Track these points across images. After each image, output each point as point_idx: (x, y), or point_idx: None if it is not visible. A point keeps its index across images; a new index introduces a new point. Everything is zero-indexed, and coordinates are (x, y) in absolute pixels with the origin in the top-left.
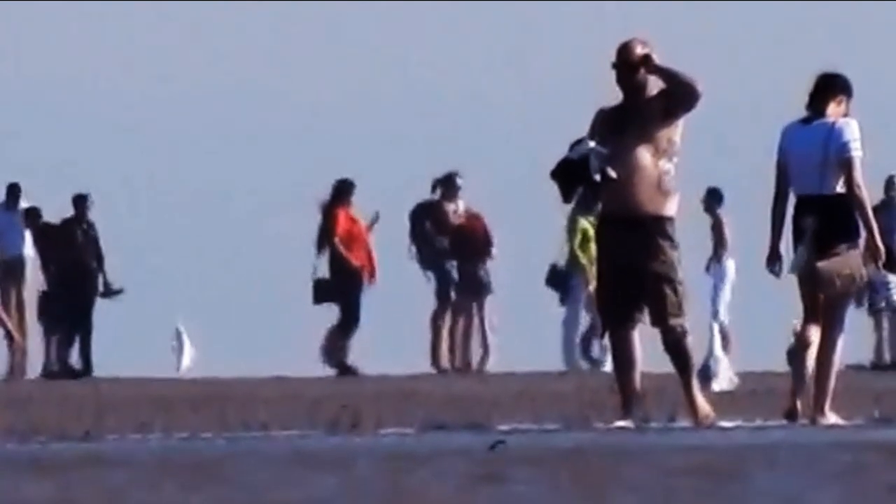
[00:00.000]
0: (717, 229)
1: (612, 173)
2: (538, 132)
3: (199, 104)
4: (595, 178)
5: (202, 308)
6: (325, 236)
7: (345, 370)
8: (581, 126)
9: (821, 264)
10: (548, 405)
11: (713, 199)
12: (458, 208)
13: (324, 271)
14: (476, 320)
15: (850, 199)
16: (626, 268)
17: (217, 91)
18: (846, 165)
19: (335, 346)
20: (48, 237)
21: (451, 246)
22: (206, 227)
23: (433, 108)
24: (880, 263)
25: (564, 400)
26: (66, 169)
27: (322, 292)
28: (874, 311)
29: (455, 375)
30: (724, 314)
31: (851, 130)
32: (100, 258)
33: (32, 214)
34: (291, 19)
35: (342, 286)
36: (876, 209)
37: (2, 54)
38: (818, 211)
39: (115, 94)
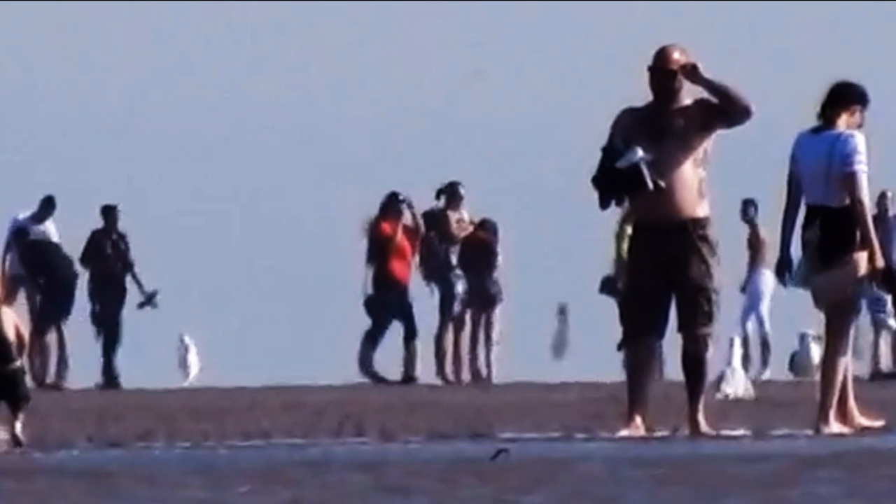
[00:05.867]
0: (754, 240)
1: (662, 183)
2: (546, 139)
3: (199, 109)
4: (650, 188)
5: (204, 318)
6: (370, 251)
7: (378, 379)
8: (581, 132)
9: (815, 277)
10: (551, 415)
11: (750, 209)
12: (461, 217)
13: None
14: (482, 330)
15: (852, 213)
16: (660, 275)
17: (222, 97)
18: (848, 179)
19: (366, 356)
20: (35, 254)
21: (459, 256)
22: (205, 236)
23: (438, 114)
24: (876, 280)
25: (568, 410)
26: (69, 174)
27: (373, 308)
28: (874, 323)
29: (460, 385)
30: (768, 326)
31: (856, 144)
32: (131, 269)
33: (20, 234)
34: (297, 26)
35: (380, 299)
36: None
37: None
38: (821, 222)
39: (114, 98)
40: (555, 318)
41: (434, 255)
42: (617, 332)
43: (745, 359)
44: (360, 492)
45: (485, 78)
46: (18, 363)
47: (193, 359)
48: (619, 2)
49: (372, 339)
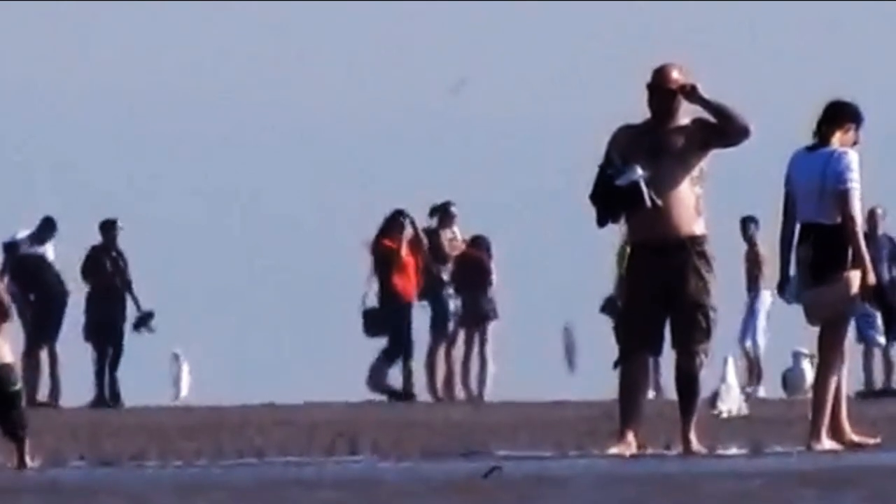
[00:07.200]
0: (753, 258)
1: (659, 201)
2: (550, 155)
3: (199, 109)
4: (647, 205)
5: (197, 335)
6: (375, 267)
7: (394, 395)
8: (584, 148)
9: (807, 294)
10: (545, 433)
11: (750, 226)
12: (454, 236)
13: (373, 302)
14: (476, 348)
15: (844, 230)
16: (657, 293)
17: (224, 100)
18: (841, 196)
19: (380, 372)
20: (25, 269)
21: (453, 274)
22: (202, 245)
23: (442, 118)
24: (866, 297)
25: (561, 428)
26: (67, 174)
27: (371, 322)
28: (864, 340)
29: (452, 403)
30: (761, 344)
31: (849, 161)
32: (129, 287)
33: (12, 249)
34: (297, 27)
35: (390, 316)
36: None
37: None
38: (813, 239)
39: (114, 99)
40: (560, 338)
41: (427, 274)
42: (615, 351)
43: (750, 375)
44: None
45: (467, 87)
46: (18, 386)
47: (185, 377)
48: (618, 10)
49: (389, 357)
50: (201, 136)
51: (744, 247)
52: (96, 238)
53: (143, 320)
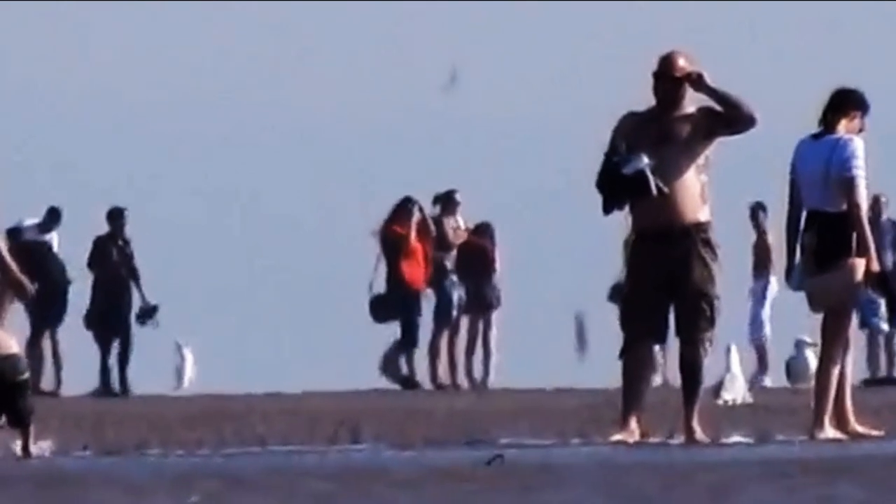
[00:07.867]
0: (762, 244)
1: (665, 189)
2: (557, 143)
3: (199, 109)
4: (654, 193)
5: (199, 324)
6: (384, 253)
7: (406, 384)
8: (593, 136)
9: (811, 281)
10: (547, 421)
11: (760, 213)
12: (457, 224)
13: (380, 288)
14: (480, 336)
15: (849, 217)
16: (662, 281)
17: (224, 100)
18: (846, 184)
19: (394, 360)
20: (28, 256)
21: (456, 262)
22: (203, 240)
23: (443, 116)
24: (871, 285)
25: (564, 415)
26: (67, 175)
27: (379, 308)
28: (868, 327)
29: (455, 392)
30: (767, 331)
31: (854, 148)
32: (136, 278)
33: (15, 234)
34: (297, 27)
35: (401, 304)
36: None
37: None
38: (818, 226)
39: (114, 98)
40: (570, 325)
41: (430, 262)
42: (621, 340)
43: (759, 364)
44: (328, 498)
45: (463, 81)
46: (25, 375)
47: (189, 368)
48: (620, 3)
49: (404, 347)
50: (201, 136)
51: (748, 235)
52: (96, 235)
53: (148, 313)
